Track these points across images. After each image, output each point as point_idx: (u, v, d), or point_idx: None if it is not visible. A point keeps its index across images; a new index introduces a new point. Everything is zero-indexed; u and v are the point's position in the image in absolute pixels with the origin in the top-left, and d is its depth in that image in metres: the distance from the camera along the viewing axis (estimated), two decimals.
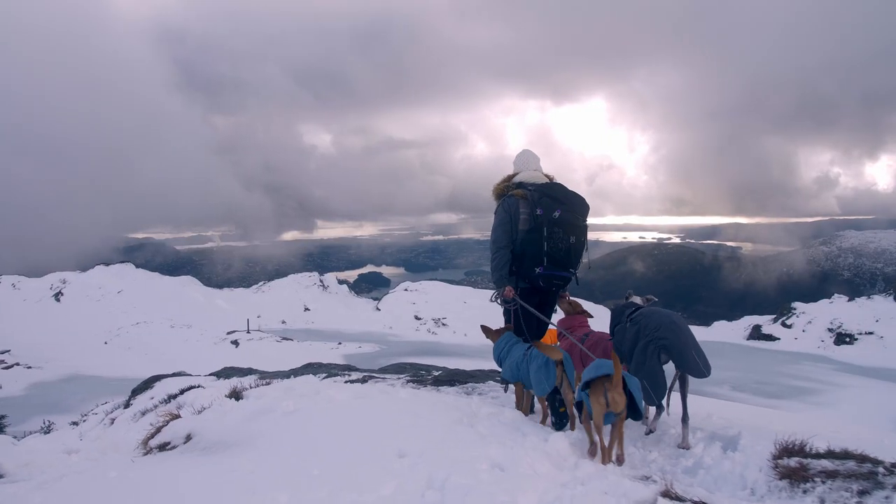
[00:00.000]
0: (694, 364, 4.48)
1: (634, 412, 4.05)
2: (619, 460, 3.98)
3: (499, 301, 5.50)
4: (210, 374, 10.64)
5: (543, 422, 4.93)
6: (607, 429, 4.01)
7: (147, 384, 9.65)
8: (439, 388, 6.00)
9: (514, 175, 5.65)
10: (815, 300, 47.26)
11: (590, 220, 5.42)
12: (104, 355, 38.49)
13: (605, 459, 3.92)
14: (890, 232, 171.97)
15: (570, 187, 5.44)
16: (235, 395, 4.34)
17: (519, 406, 5.22)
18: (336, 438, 3.88)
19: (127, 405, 9.09)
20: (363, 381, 6.42)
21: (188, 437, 3.70)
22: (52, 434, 9.64)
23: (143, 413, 7.58)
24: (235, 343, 42.75)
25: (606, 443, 3.98)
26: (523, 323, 5.33)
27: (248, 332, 47.80)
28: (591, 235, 5.41)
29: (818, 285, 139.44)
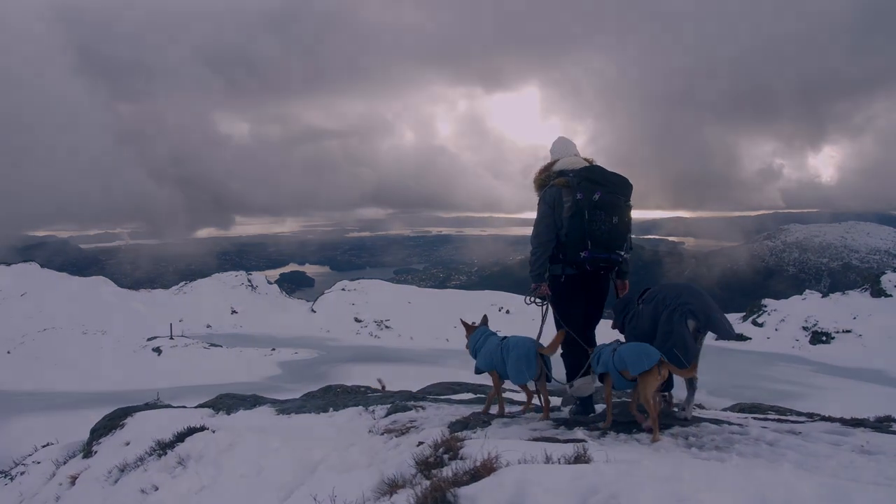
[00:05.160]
0: (722, 325, 4.64)
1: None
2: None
3: (534, 300, 5.43)
4: (201, 405, 8.41)
5: (525, 410, 5.67)
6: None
7: (113, 421, 7.22)
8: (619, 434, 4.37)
9: (553, 163, 5.62)
10: (760, 297, 47.19)
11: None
12: (8, 366, 34.33)
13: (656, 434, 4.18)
14: (834, 226, 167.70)
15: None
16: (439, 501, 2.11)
17: (497, 395, 5.56)
18: None
19: (88, 453, 6.87)
20: (484, 423, 4.91)
21: None
22: None
23: (123, 470, 5.59)
24: (158, 351, 39.49)
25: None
26: (560, 319, 5.26)
27: (172, 337, 44.32)
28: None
29: (762, 281, 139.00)
